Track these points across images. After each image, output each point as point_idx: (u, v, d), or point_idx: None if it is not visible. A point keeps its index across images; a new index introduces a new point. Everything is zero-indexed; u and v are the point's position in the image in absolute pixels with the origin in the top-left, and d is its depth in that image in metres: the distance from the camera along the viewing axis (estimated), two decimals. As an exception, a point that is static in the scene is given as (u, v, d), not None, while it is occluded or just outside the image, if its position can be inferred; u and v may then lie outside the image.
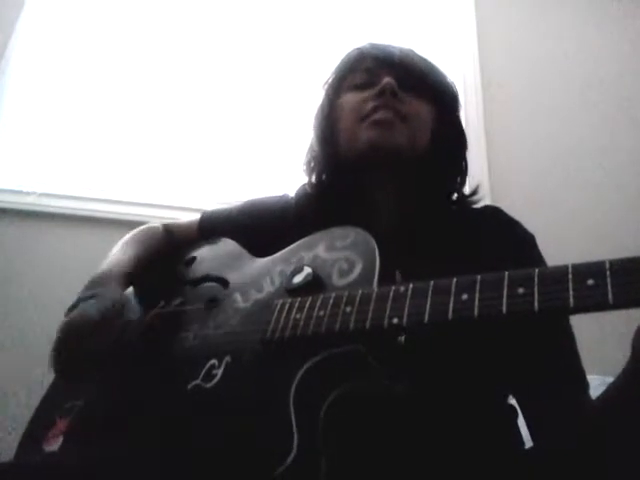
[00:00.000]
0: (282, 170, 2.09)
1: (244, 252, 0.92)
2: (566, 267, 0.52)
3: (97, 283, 0.88)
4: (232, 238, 0.97)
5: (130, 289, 0.95)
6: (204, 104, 2.25)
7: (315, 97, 1.04)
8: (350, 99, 0.94)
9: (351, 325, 0.62)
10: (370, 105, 0.89)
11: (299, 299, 0.69)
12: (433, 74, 0.97)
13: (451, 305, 0.56)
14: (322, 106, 1.00)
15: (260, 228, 0.99)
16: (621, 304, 0.47)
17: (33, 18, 2.25)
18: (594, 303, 0.48)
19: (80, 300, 0.85)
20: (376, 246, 0.70)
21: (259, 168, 2.18)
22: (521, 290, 0.52)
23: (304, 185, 1.02)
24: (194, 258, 0.98)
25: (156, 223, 1.11)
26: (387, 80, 0.89)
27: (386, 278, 0.67)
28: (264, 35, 2.39)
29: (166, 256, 1.02)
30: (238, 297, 0.80)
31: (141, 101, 2.23)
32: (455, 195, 0.97)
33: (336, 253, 0.74)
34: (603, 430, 0.70)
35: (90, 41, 2.30)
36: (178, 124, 2.21)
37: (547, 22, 2.50)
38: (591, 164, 2.22)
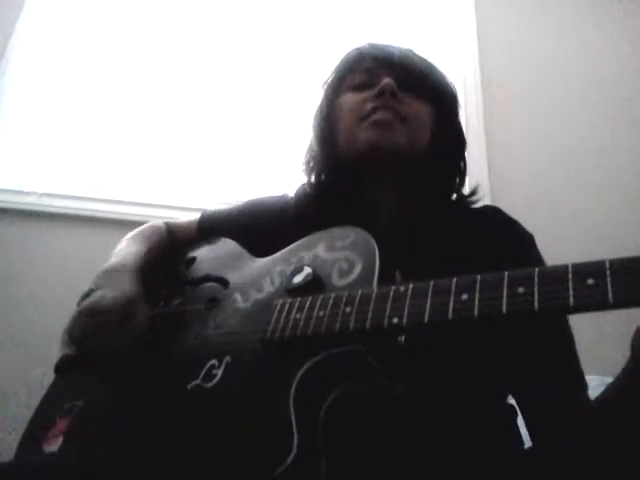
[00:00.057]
0: (282, 170, 2.09)
1: (244, 252, 0.92)
2: (566, 267, 0.52)
3: (110, 274, 0.88)
4: (232, 238, 0.97)
5: None
6: (204, 104, 2.25)
7: (315, 97, 1.04)
8: (349, 99, 0.94)
9: (351, 325, 0.62)
10: (369, 106, 0.89)
11: (299, 299, 0.69)
12: (432, 74, 0.97)
13: (451, 305, 0.56)
14: (321, 106, 1.00)
15: (260, 228, 0.99)
16: (621, 304, 0.47)
17: (33, 18, 2.25)
18: (594, 303, 0.48)
19: (93, 290, 0.85)
20: (376, 246, 0.70)
21: (259, 168, 2.18)
22: (521, 290, 0.52)
23: (303, 185, 1.02)
24: (194, 258, 0.98)
25: (159, 222, 1.11)
26: (386, 81, 0.89)
27: (386, 278, 0.67)
28: (264, 35, 2.39)
29: (168, 255, 1.02)
30: (238, 297, 0.80)
31: (141, 101, 2.23)
32: (454, 195, 0.97)
33: (336, 253, 0.74)
34: (602, 430, 0.70)
35: (90, 41, 2.30)
36: (178, 124, 2.21)
37: (547, 22, 2.50)
38: (591, 164, 2.22)
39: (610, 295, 0.47)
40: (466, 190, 0.99)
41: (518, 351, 0.81)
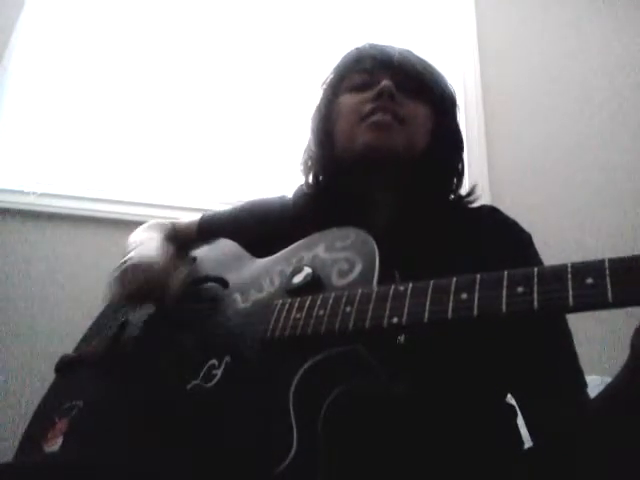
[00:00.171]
0: (282, 170, 2.09)
1: (244, 252, 0.92)
2: (565, 266, 0.51)
3: (140, 247, 0.92)
4: (232, 239, 0.97)
5: None
6: (204, 104, 2.25)
7: (313, 97, 1.04)
8: (348, 100, 0.94)
9: (351, 325, 0.62)
10: (368, 107, 0.89)
11: (299, 299, 0.69)
12: (431, 75, 0.97)
13: (451, 304, 0.56)
14: (320, 106, 1.00)
15: (259, 228, 1.00)
16: (620, 303, 0.47)
17: (33, 18, 2.25)
18: (593, 302, 0.48)
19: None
20: (376, 246, 0.70)
21: (259, 168, 2.18)
22: (520, 289, 0.52)
23: (301, 185, 1.02)
24: (194, 258, 0.98)
25: (163, 220, 1.11)
26: (385, 82, 0.89)
27: (385, 278, 0.67)
28: (264, 35, 2.39)
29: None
30: (238, 297, 0.80)
31: (141, 101, 2.23)
32: (452, 195, 0.97)
33: (336, 253, 0.74)
34: (602, 429, 0.70)
35: (90, 41, 2.30)
36: (178, 124, 2.21)
37: (547, 22, 2.50)
38: (591, 164, 2.22)
39: (609, 294, 0.47)
40: (465, 190, 0.99)
41: (517, 350, 0.81)
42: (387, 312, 0.60)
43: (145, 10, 2.37)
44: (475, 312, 0.54)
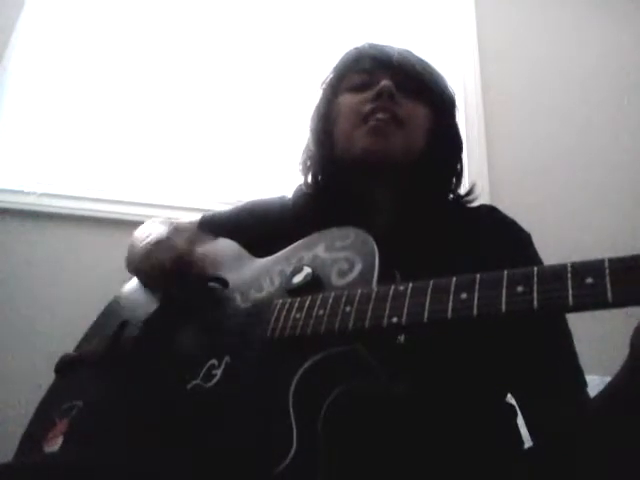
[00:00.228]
0: (282, 170, 2.09)
1: (244, 252, 0.92)
2: (565, 266, 0.51)
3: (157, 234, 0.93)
4: (232, 239, 0.97)
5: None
6: (204, 104, 2.25)
7: (313, 97, 1.04)
8: (347, 100, 0.94)
9: (350, 325, 0.62)
10: (368, 107, 0.90)
11: (299, 299, 0.69)
12: (430, 75, 0.97)
13: (450, 304, 0.56)
14: (319, 106, 1.00)
15: (259, 228, 1.00)
16: (620, 303, 0.47)
17: (33, 18, 2.25)
18: (593, 302, 0.48)
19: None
20: (376, 246, 0.70)
21: (259, 168, 2.18)
22: (520, 289, 0.52)
23: (301, 185, 1.02)
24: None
25: (165, 219, 1.11)
26: (384, 83, 0.89)
27: (385, 278, 0.67)
28: (263, 34, 2.39)
29: None
30: (238, 297, 0.80)
31: (141, 101, 2.23)
32: (451, 195, 0.97)
33: (336, 253, 0.74)
34: (602, 428, 0.70)
35: (90, 41, 2.29)
36: (178, 124, 2.21)
37: (547, 22, 2.50)
38: (591, 164, 2.22)
39: (609, 294, 0.47)
40: (464, 189, 1.00)
41: (517, 350, 0.81)
42: (387, 312, 0.60)
43: (145, 10, 2.37)
44: (475, 312, 0.54)
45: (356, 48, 1.00)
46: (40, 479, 0.59)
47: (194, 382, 0.70)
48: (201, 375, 0.70)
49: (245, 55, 2.35)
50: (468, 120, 2.19)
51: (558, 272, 0.51)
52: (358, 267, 0.70)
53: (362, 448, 0.68)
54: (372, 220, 0.89)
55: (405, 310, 0.59)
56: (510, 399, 0.86)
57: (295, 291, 0.71)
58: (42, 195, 1.98)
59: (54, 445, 0.77)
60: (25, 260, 1.89)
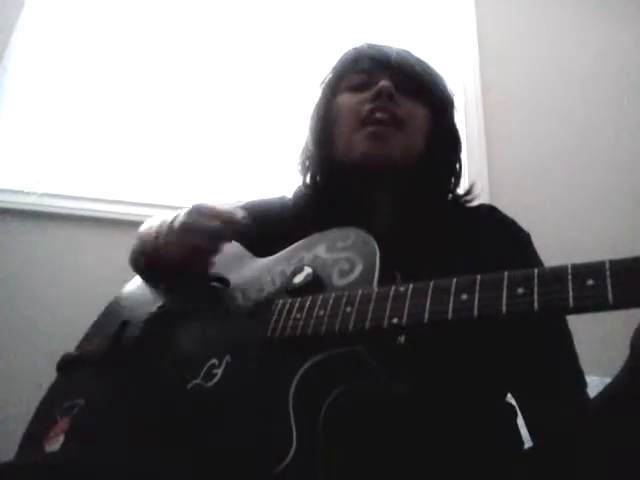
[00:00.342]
0: (282, 170, 2.10)
1: (245, 252, 0.92)
2: (566, 267, 0.51)
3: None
4: (232, 238, 0.97)
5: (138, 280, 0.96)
6: (204, 104, 2.26)
7: (313, 97, 1.04)
8: (347, 100, 0.94)
9: (351, 325, 0.62)
10: (367, 107, 0.90)
11: (299, 299, 0.69)
12: (430, 76, 0.97)
13: (451, 305, 0.56)
14: (318, 106, 1.00)
15: (260, 228, 0.99)
16: (621, 304, 0.47)
17: (33, 18, 2.25)
18: (594, 303, 0.48)
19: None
20: (377, 247, 0.71)
21: (259, 168, 2.18)
22: (520, 290, 0.52)
23: (300, 186, 1.02)
24: None
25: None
26: (383, 83, 0.89)
27: (386, 279, 0.67)
28: (262, 35, 2.39)
29: None
30: (239, 297, 0.80)
31: (141, 101, 2.23)
32: (450, 195, 0.97)
33: (336, 253, 0.74)
34: (602, 429, 0.70)
35: (90, 41, 2.30)
36: (178, 124, 2.21)
37: (547, 22, 2.50)
38: (591, 164, 2.22)
39: (610, 296, 0.47)
40: (463, 189, 1.00)
41: (518, 351, 0.81)
42: (387, 313, 0.60)
43: (145, 11, 2.37)
44: (475, 313, 0.54)
45: (355, 48, 1.00)
46: (41, 478, 0.59)
47: (194, 382, 0.70)
48: (202, 375, 0.70)
49: (244, 55, 2.35)
50: (468, 120, 2.19)
51: (559, 274, 0.51)
52: (359, 267, 0.70)
53: (362, 448, 0.68)
54: (372, 221, 0.89)
55: (405, 311, 0.59)
56: (510, 399, 0.86)
57: (296, 291, 0.71)
58: (42, 195, 1.98)
59: (55, 444, 0.77)
60: (25, 260, 1.89)
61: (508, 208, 0.97)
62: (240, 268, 0.87)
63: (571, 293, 0.49)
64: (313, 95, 1.03)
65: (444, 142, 0.96)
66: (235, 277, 0.85)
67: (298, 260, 0.78)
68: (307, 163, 1.00)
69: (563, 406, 0.77)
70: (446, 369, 0.76)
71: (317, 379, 0.61)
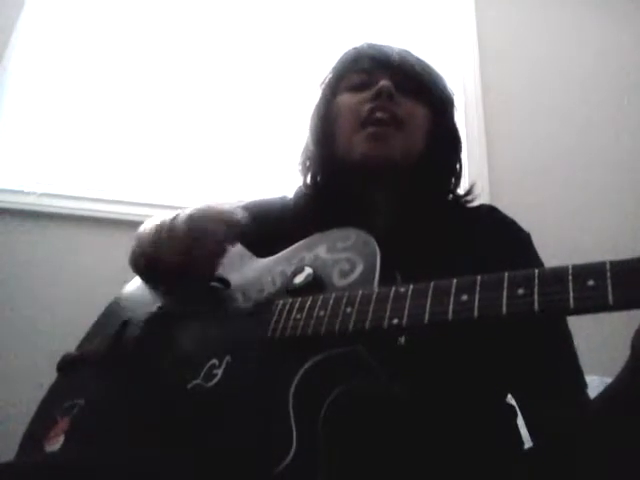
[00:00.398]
0: (282, 170, 2.10)
1: (246, 252, 0.92)
2: (566, 268, 0.51)
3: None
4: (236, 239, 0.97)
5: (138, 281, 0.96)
6: (204, 104, 2.26)
7: (313, 97, 1.04)
8: (347, 100, 0.94)
9: (351, 326, 0.62)
10: (367, 107, 0.90)
11: (299, 299, 0.69)
12: (430, 76, 0.97)
13: (451, 306, 0.56)
14: (318, 106, 1.00)
15: (260, 229, 0.99)
16: (621, 305, 0.47)
17: (33, 18, 2.25)
18: (594, 304, 0.48)
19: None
20: (377, 247, 0.71)
21: (259, 168, 2.18)
22: (521, 291, 0.52)
23: (301, 186, 1.02)
24: None
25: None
26: (383, 82, 0.89)
27: (386, 279, 0.67)
28: (262, 35, 2.39)
29: None
30: (239, 297, 0.80)
31: (141, 101, 2.23)
32: (450, 195, 0.97)
33: (337, 254, 0.74)
34: (602, 429, 0.70)
35: (90, 41, 2.30)
36: (178, 124, 2.21)
37: (547, 22, 2.50)
38: (591, 164, 2.22)
39: (610, 297, 0.47)
40: (463, 189, 1.00)
41: (518, 351, 0.81)
42: (387, 313, 0.60)
43: (145, 10, 2.37)
44: (475, 314, 0.54)
45: (355, 48, 1.00)
46: (41, 478, 0.59)
47: (195, 382, 0.70)
48: (202, 375, 0.70)
49: (244, 55, 2.35)
50: (468, 120, 2.19)
51: (559, 274, 0.51)
52: (359, 268, 0.70)
53: (362, 448, 0.68)
54: (372, 221, 0.89)
55: (406, 312, 0.59)
56: (510, 400, 0.86)
57: (296, 292, 0.71)
58: (42, 195, 1.98)
59: (55, 444, 0.77)
60: (25, 260, 1.89)
61: (508, 208, 0.97)
62: (241, 268, 0.87)
63: (571, 294, 0.49)
64: (313, 95, 1.03)
65: (444, 142, 0.96)
66: (235, 277, 0.85)
67: (299, 260, 0.78)
68: (307, 163, 1.00)
69: (563, 406, 0.77)
70: (446, 370, 0.76)
71: (317, 379, 0.61)
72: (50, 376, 0.91)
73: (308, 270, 0.73)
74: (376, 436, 0.70)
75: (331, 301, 0.65)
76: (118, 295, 0.99)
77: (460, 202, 0.98)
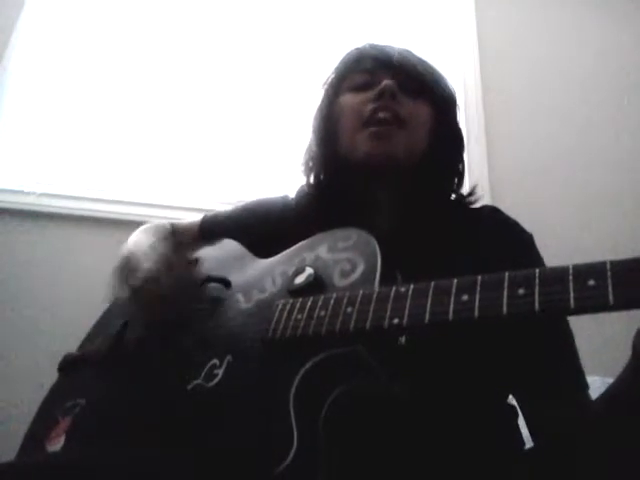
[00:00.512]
0: (283, 170, 2.10)
1: (246, 253, 0.92)
2: (567, 268, 0.51)
3: (131, 256, 0.90)
4: (234, 239, 0.97)
5: None
6: (204, 104, 2.25)
7: (315, 97, 1.04)
8: (349, 100, 0.94)
9: (352, 326, 0.62)
10: (370, 107, 0.90)
11: (300, 299, 0.69)
12: (432, 76, 0.97)
13: (451, 306, 0.56)
14: (321, 106, 1.00)
15: (262, 228, 1.00)
16: (622, 305, 0.47)
17: (33, 18, 2.25)
18: (595, 304, 0.48)
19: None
20: (378, 247, 0.71)
21: (260, 168, 2.18)
22: (521, 291, 0.52)
23: (303, 185, 1.02)
24: (197, 259, 0.98)
25: (163, 221, 1.11)
26: (386, 82, 0.90)
27: (387, 279, 0.67)
28: (264, 35, 2.39)
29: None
30: (240, 297, 0.80)
31: (141, 101, 2.23)
32: (453, 196, 0.97)
33: (338, 254, 0.74)
34: (603, 430, 0.70)
35: (90, 41, 2.30)
36: (178, 124, 2.21)
37: (547, 22, 2.50)
38: (591, 164, 2.22)
39: (611, 297, 0.47)
40: (465, 190, 1.00)
41: (518, 351, 0.81)
42: (388, 313, 0.60)
43: (145, 10, 2.37)
44: (476, 313, 0.54)
45: (357, 48, 1.00)
46: (42, 478, 0.59)
47: (195, 382, 0.70)
48: (202, 375, 0.70)
49: (245, 55, 2.35)
50: (468, 120, 2.19)
51: (560, 274, 0.51)
52: (360, 268, 0.70)
53: (363, 448, 0.68)
54: (374, 221, 0.89)
55: (406, 311, 0.59)
56: (511, 400, 0.87)
57: (297, 292, 0.72)
58: (42, 195, 1.98)
59: (57, 444, 0.77)
60: (25, 260, 1.89)
61: (508, 208, 0.97)
62: (242, 269, 0.87)
63: (572, 294, 0.49)
64: (316, 95, 1.03)
65: (447, 141, 0.96)
66: (237, 278, 0.85)
67: (300, 260, 0.78)
68: (310, 163, 1.00)
69: (564, 407, 0.77)
70: (447, 370, 0.76)
71: (318, 379, 0.61)
72: (51, 376, 0.92)
73: (309, 270, 0.73)
74: (376, 436, 0.70)
75: (332, 301, 0.65)
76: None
77: (462, 202, 0.98)
